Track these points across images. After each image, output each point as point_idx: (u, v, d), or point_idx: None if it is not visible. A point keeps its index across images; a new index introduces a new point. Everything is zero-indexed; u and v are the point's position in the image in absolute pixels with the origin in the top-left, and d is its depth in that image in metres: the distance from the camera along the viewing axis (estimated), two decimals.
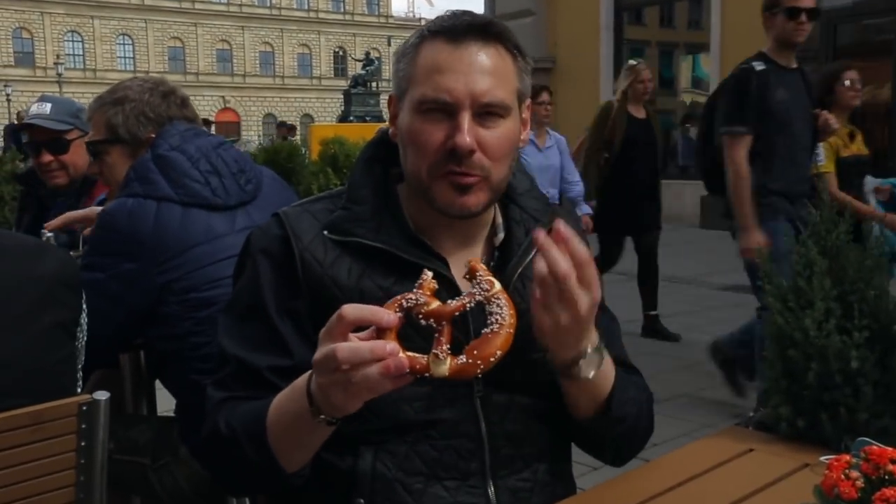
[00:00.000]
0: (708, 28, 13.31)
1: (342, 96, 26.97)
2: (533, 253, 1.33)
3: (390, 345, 0.98)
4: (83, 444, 1.42)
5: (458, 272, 1.29)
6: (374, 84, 26.32)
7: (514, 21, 15.01)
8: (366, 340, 1.00)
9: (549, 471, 1.35)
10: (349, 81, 28.46)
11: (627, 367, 1.44)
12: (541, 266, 1.09)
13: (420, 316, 1.02)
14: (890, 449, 0.95)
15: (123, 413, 2.23)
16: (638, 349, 5.44)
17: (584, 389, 1.24)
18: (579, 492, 1.38)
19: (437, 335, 1.01)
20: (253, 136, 54.69)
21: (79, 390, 1.57)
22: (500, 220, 1.37)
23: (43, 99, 2.85)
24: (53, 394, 1.41)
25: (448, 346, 1.00)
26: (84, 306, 1.59)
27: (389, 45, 62.15)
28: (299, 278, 1.26)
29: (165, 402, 2.30)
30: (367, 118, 21.58)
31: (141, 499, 2.26)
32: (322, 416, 1.08)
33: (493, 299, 1.03)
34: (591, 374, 1.20)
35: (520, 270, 1.32)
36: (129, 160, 2.06)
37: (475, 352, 1.00)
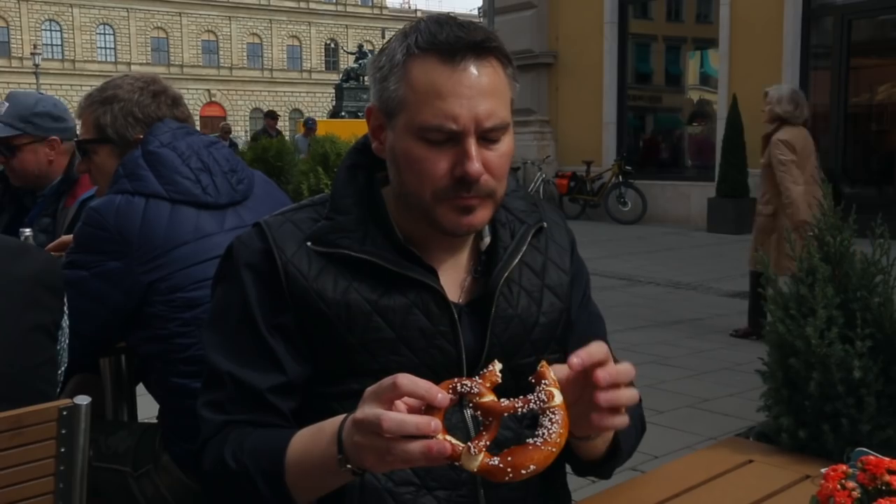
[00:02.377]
0: (717, 22, 13.35)
1: (333, 91, 26.99)
2: (519, 256, 1.36)
3: (435, 422, 1.00)
4: (63, 450, 1.43)
5: (446, 282, 1.31)
6: (366, 78, 26.24)
7: (514, 14, 15.05)
8: (412, 412, 1.02)
9: (542, 480, 1.37)
10: (341, 75, 28.48)
11: None
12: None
13: (471, 405, 1.03)
14: (887, 459, 0.97)
15: (103, 419, 2.25)
16: (642, 358, 5.46)
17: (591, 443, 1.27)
18: (574, 503, 1.41)
19: (482, 429, 1.03)
20: (240, 131, 54.62)
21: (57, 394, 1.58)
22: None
23: (7, 98, 2.87)
24: (33, 399, 1.43)
25: (488, 443, 1.02)
26: (65, 309, 1.61)
27: (383, 37, 62.10)
28: (284, 292, 1.28)
29: (146, 409, 2.32)
30: (360, 114, 21.58)
31: None
32: (349, 466, 1.10)
33: (548, 412, 1.03)
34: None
35: (506, 275, 1.34)
36: (116, 160, 2.08)
37: (510, 458, 1.01)
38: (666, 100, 16.27)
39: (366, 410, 1.04)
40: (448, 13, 1.29)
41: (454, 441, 1.01)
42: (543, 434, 1.02)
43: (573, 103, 14.92)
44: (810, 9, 12.12)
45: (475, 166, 1.21)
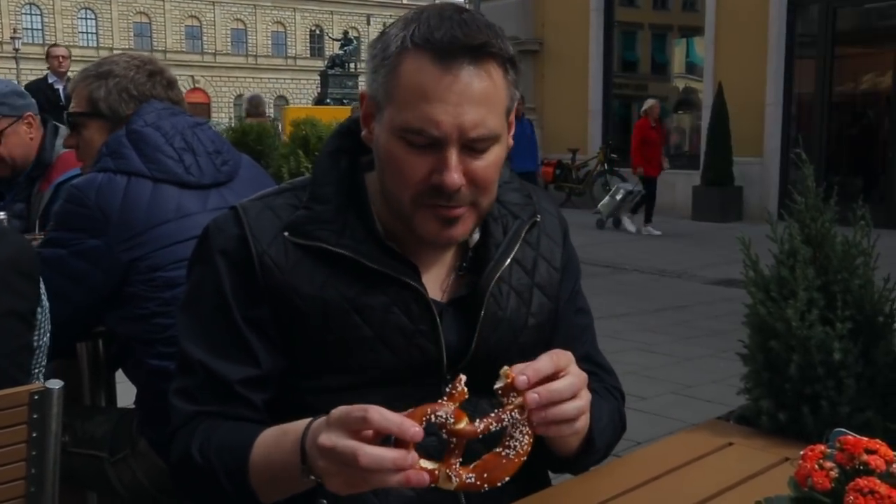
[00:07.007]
0: (703, 11, 13.37)
1: (318, 77, 26.91)
2: (512, 255, 1.30)
3: (411, 456, 0.98)
4: (35, 434, 1.41)
5: (428, 279, 1.27)
6: (352, 65, 26.22)
7: (500, 1, 15.02)
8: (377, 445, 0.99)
9: (523, 467, 1.36)
10: (326, 62, 28.41)
11: (598, 366, 1.43)
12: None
13: (444, 432, 1.01)
14: (865, 439, 0.97)
15: (80, 405, 2.23)
16: (625, 345, 5.48)
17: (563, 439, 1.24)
18: (553, 487, 1.40)
19: (452, 447, 1.02)
20: (224, 117, 54.32)
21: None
22: None
23: None
24: (4, 385, 1.41)
25: (459, 461, 1.01)
26: (43, 298, 1.58)
27: (369, 24, 61.76)
28: (259, 283, 1.24)
29: (125, 398, 2.30)
30: (345, 101, 21.51)
31: (97, 494, 2.26)
32: (312, 478, 1.07)
33: (519, 425, 1.03)
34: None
35: (497, 275, 1.29)
36: (105, 136, 2.07)
37: (485, 475, 1.02)
38: (652, 88, 16.30)
39: (334, 439, 1.00)
40: (454, 3, 1.22)
41: (429, 466, 1.00)
42: (515, 447, 1.03)
43: (559, 91, 14.93)
44: None
45: (453, 177, 1.15)
